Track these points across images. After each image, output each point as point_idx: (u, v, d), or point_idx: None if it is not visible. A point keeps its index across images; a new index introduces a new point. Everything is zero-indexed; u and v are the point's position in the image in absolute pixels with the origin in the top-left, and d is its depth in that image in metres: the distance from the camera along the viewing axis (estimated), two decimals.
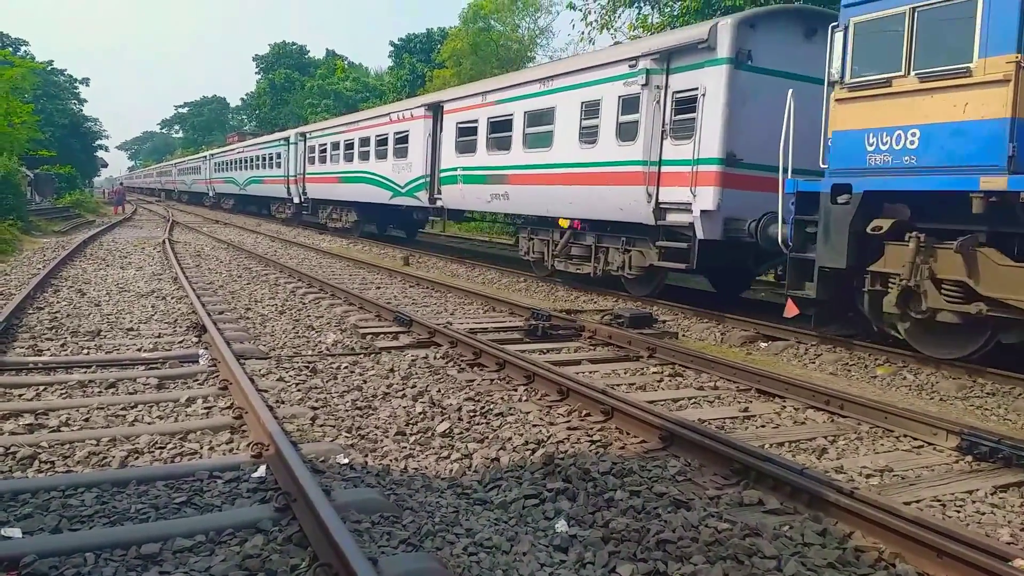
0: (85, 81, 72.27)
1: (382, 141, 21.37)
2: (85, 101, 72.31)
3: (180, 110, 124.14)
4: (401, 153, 19.98)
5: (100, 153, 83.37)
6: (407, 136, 19.53)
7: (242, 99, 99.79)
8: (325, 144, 26.47)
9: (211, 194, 50.36)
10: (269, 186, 34.18)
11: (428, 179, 18.32)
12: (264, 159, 34.94)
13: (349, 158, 23.83)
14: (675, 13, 20.59)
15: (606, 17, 22.97)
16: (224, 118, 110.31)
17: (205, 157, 52.24)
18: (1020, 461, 4.85)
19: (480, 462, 4.79)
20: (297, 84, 69.67)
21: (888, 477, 4.77)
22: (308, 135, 29.04)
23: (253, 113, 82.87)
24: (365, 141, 22.67)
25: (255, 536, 3.53)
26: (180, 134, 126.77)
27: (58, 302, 10.04)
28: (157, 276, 13.23)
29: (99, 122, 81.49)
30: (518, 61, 39.65)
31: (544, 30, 44.08)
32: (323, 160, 26.63)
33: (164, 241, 19.77)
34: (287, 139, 31.26)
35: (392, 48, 56.02)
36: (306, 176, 28.68)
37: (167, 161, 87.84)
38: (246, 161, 38.65)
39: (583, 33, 38.84)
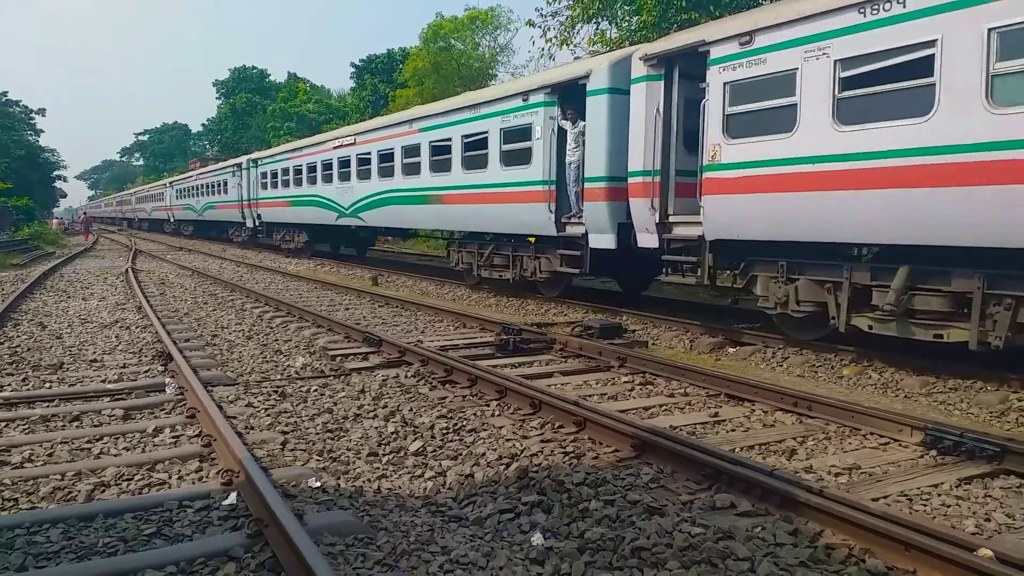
0: (41, 111, 71.11)
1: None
2: (42, 131, 71.10)
3: (140, 137, 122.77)
4: None
5: (59, 183, 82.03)
6: None
7: (203, 124, 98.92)
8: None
9: (249, 223, 31.16)
10: (478, 210, 14.47)
11: None
12: (450, 150, 15.21)
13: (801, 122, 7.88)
14: (633, 28, 20.90)
15: (565, 33, 23.24)
16: (186, 144, 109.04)
17: (237, 167, 32.59)
18: (983, 453, 4.96)
19: (454, 479, 4.77)
20: (259, 108, 69.22)
21: (856, 475, 4.85)
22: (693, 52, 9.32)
23: (215, 138, 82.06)
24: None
25: (227, 564, 3.49)
26: (141, 162, 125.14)
27: (18, 336, 9.83)
28: (120, 306, 13.00)
29: (57, 152, 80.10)
30: (481, 79, 39.84)
31: (504, 47, 44.32)
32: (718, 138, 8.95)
33: (127, 270, 19.44)
34: (550, 89, 12.21)
35: (353, 69, 56.15)
36: (675, 180, 10.18)
37: (145, 184, 76.32)
38: (367, 161, 19.35)
39: (543, 50, 39.17)
